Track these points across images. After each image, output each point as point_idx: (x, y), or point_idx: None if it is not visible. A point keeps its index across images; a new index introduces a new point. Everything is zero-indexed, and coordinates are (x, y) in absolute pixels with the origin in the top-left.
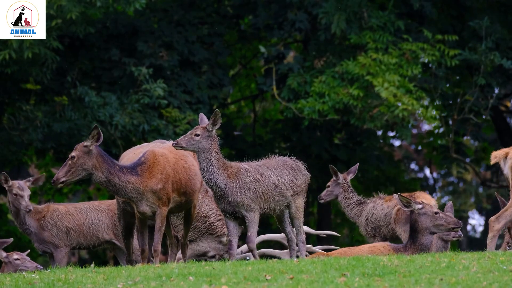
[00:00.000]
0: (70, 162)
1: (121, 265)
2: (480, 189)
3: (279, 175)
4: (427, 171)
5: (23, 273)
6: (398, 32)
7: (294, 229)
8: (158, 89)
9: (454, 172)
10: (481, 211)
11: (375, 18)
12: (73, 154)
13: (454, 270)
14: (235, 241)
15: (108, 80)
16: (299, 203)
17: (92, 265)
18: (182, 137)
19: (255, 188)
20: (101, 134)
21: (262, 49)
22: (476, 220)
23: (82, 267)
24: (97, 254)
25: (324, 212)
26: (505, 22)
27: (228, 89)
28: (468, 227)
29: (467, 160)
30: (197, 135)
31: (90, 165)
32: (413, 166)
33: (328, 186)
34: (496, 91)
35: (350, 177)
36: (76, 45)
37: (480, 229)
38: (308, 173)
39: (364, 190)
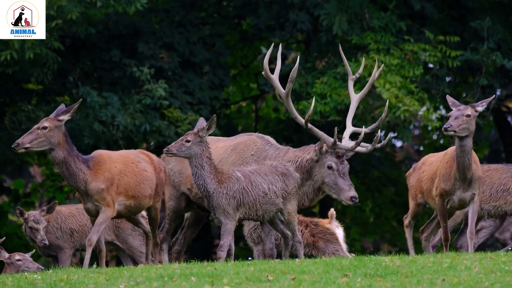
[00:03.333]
0: (39, 131)
1: (123, 266)
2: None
3: (271, 182)
4: None
5: (25, 273)
6: (399, 33)
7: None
8: (159, 90)
9: None
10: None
11: (376, 19)
12: (45, 124)
13: (456, 270)
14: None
15: (110, 81)
16: (291, 208)
17: (94, 265)
18: (173, 143)
19: (240, 198)
20: (74, 108)
21: (264, 50)
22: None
23: (82, 268)
24: (96, 255)
25: (326, 212)
26: (507, 23)
27: (229, 89)
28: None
29: None
30: (188, 141)
31: (56, 140)
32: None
33: None
34: (498, 92)
35: None
36: (78, 46)
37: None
38: (297, 174)
39: (366, 191)
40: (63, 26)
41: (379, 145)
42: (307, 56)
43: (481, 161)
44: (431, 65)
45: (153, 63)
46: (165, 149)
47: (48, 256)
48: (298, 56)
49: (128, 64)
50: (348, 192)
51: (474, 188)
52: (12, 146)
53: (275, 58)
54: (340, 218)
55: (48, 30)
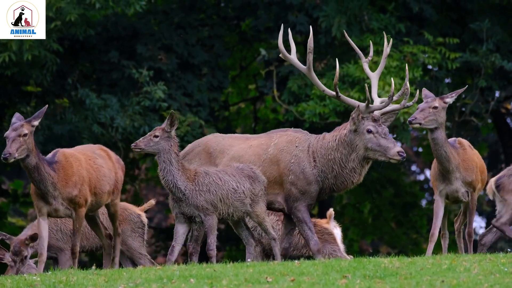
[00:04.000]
0: (22, 139)
1: (122, 267)
2: (481, 192)
3: (239, 182)
4: (427, 173)
5: (24, 275)
6: (398, 35)
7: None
8: (158, 91)
9: None
10: (481, 214)
11: (375, 21)
12: (25, 131)
13: (455, 272)
14: (178, 248)
15: (109, 83)
16: (259, 210)
17: (93, 267)
18: (141, 138)
19: (215, 191)
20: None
21: (263, 51)
22: (476, 223)
23: (82, 269)
24: (96, 256)
25: (325, 213)
26: (506, 24)
27: (228, 90)
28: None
29: None
30: (156, 136)
31: (31, 146)
32: (414, 168)
33: None
34: (497, 94)
35: None
36: (76, 48)
37: (481, 231)
38: (264, 178)
39: (365, 193)
40: (62, 27)
41: (411, 103)
42: (306, 58)
43: None
44: (430, 67)
45: (152, 64)
46: (133, 144)
47: (48, 258)
48: (311, 27)
49: (127, 65)
50: (393, 148)
51: (467, 183)
52: (4, 157)
53: (274, 60)
54: (338, 218)
55: (47, 31)
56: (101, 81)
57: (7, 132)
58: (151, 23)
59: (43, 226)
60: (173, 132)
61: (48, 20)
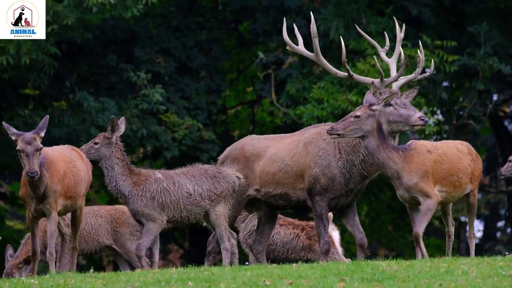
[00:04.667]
0: (38, 153)
1: (120, 270)
2: (479, 195)
3: (197, 184)
4: None
5: (22, 278)
6: (395, 37)
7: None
8: (156, 95)
9: None
10: (479, 217)
11: (373, 24)
12: (40, 144)
13: (453, 275)
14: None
15: (107, 86)
16: (220, 210)
17: (91, 270)
18: (83, 146)
19: (161, 198)
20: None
21: (261, 54)
22: (474, 226)
23: (80, 272)
24: (93, 259)
25: None
26: (504, 28)
27: (226, 93)
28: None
29: None
30: (96, 143)
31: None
32: None
33: None
34: (495, 97)
35: None
36: (74, 51)
37: (478, 234)
38: (235, 179)
39: (364, 195)
40: (60, 31)
41: (426, 74)
42: (304, 61)
43: None
44: (428, 70)
45: (149, 68)
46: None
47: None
48: (311, 14)
49: (124, 69)
50: (414, 115)
51: (411, 188)
52: (31, 176)
53: (272, 63)
54: (336, 221)
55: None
56: (99, 84)
57: (22, 145)
58: (149, 27)
59: (35, 225)
60: (114, 138)
61: (46, 23)
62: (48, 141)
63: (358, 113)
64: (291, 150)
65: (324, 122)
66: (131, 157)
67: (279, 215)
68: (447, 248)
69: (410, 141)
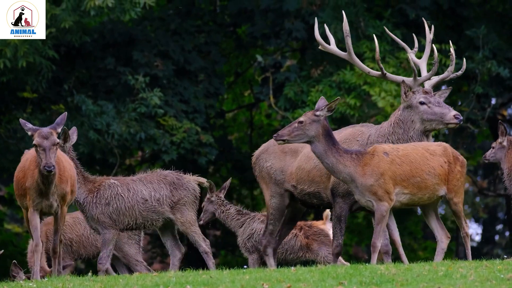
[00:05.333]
0: (55, 148)
1: (118, 274)
2: (477, 199)
3: (154, 190)
4: None
5: (21, 281)
6: (394, 41)
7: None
8: (154, 98)
9: None
10: (478, 220)
11: (372, 28)
12: (57, 139)
13: (452, 278)
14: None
15: (105, 89)
16: (182, 218)
17: (90, 274)
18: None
19: (116, 204)
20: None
21: (259, 58)
22: (473, 229)
23: (79, 276)
24: (92, 263)
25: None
26: (502, 31)
27: (224, 97)
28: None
29: None
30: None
31: None
32: None
33: (203, 207)
34: (493, 101)
35: (223, 193)
36: (73, 54)
37: (477, 238)
38: (195, 186)
39: None
40: (58, 34)
41: (458, 73)
42: (302, 65)
43: (476, 170)
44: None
45: (148, 71)
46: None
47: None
48: (343, 13)
49: (123, 72)
50: (449, 113)
51: (365, 191)
52: (48, 169)
53: (270, 66)
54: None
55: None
56: (97, 87)
57: (39, 140)
58: (147, 30)
59: (36, 218)
60: (67, 147)
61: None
62: None
63: (301, 119)
64: None
65: (362, 124)
66: (130, 161)
67: None
68: (466, 253)
69: (371, 145)
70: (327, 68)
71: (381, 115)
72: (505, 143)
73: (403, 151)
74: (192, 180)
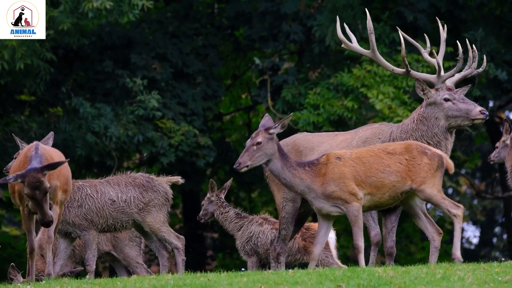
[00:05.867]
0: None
1: (116, 276)
2: (475, 201)
3: (122, 191)
4: None
5: (18, 284)
6: (392, 44)
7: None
8: (152, 101)
9: (448, 183)
10: (475, 223)
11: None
12: (48, 185)
13: (449, 281)
14: (60, 263)
15: (103, 92)
16: (152, 220)
17: (87, 276)
18: (10, 163)
19: (88, 205)
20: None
21: (257, 60)
22: (471, 232)
23: (76, 279)
24: None
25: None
26: (500, 34)
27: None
28: (463, 239)
29: (463, 171)
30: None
31: None
32: None
33: (202, 205)
34: (491, 103)
35: (223, 193)
36: (70, 57)
37: (475, 240)
38: (167, 188)
39: None
40: (56, 37)
41: (480, 70)
42: (300, 67)
43: (474, 172)
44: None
45: (146, 73)
46: (4, 169)
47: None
48: (367, 11)
49: (121, 75)
50: (474, 109)
51: (329, 199)
52: (47, 225)
53: (268, 69)
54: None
55: (40, 40)
56: (95, 90)
57: (29, 192)
58: (145, 32)
59: (29, 221)
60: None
61: None
62: None
63: (259, 140)
64: (345, 148)
65: (380, 122)
66: (128, 163)
67: (273, 219)
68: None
69: (321, 154)
70: (325, 70)
71: (378, 117)
72: (508, 142)
73: (356, 153)
74: (165, 182)
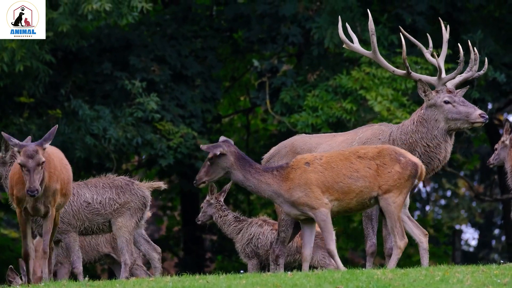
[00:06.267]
0: (40, 167)
1: (115, 279)
2: (473, 203)
3: (97, 193)
4: (420, 184)
5: (17, 286)
6: (391, 46)
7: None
8: (151, 103)
9: (446, 185)
10: (474, 225)
11: (368, 32)
12: (43, 158)
13: (448, 283)
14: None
15: (102, 94)
16: (122, 222)
17: (86, 278)
18: None
19: (64, 208)
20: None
21: (256, 62)
22: (469, 234)
23: (75, 281)
24: (87, 268)
25: None
26: (498, 36)
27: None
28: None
29: (461, 173)
30: None
31: None
32: None
33: (202, 207)
34: (490, 106)
35: (222, 196)
36: (69, 59)
37: (473, 243)
38: (145, 193)
39: None
40: (55, 39)
41: (481, 72)
42: (299, 69)
43: (472, 175)
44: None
45: (144, 76)
46: None
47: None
48: (369, 12)
49: (119, 77)
50: (474, 112)
51: (296, 204)
52: (31, 194)
53: (267, 71)
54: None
55: (39, 43)
56: (94, 92)
57: (23, 159)
58: (144, 35)
59: (25, 224)
60: (8, 157)
61: None
62: None
63: (209, 156)
64: (344, 148)
65: (380, 123)
66: (126, 165)
67: (272, 220)
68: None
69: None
70: (324, 72)
71: (377, 119)
72: (507, 142)
73: (326, 158)
74: (146, 187)
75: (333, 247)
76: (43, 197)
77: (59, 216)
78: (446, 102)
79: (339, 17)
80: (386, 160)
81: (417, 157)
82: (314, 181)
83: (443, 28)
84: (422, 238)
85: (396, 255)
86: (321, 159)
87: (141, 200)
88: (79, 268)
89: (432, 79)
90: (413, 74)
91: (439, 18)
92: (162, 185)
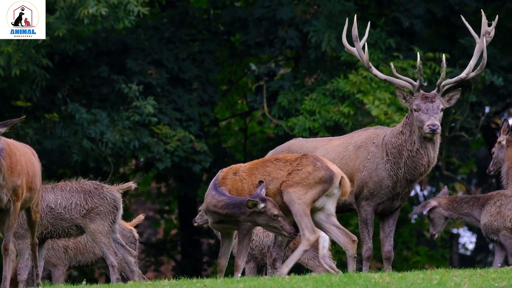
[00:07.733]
0: None
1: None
2: None
3: (63, 198)
4: (417, 188)
5: None
6: (389, 50)
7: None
8: (148, 106)
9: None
10: (471, 229)
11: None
12: None
13: (446, 287)
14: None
15: (99, 97)
16: (94, 228)
17: (84, 282)
18: None
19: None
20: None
21: (253, 66)
22: (467, 238)
23: (73, 284)
24: (85, 271)
25: None
26: (496, 40)
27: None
28: (459, 245)
29: (459, 177)
30: None
31: None
32: None
33: (199, 210)
34: (487, 109)
35: None
36: (66, 62)
37: (471, 246)
38: (116, 196)
39: None
40: (51, 43)
41: (473, 73)
42: (296, 73)
43: (469, 179)
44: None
45: (141, 79)
46: None
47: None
48: (370, 22)
49: (116, 80)
50: (426, 123)
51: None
52: None
53: (264, 75)
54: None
55: (36, 47)
56: (91, 96)
57: None
58: (141, 38)
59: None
60: None
61: None
62: (40, 153)
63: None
64: (341, 152)
65: (376, 126)
66: (124, 169)
67: None
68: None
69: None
70: (321, 76)
71: (374, 123)
72: (503, 142)
73: (249, 165)
74: (116, 190)
75: (241, 262)
76: (4, 188)
77: (36, 215)
78: (415, 110)
79: (346, 19)
80: (302, 162)
81: (404, 161)
82: (242, 189)
83: (484, 19)
84: (348, 245)
85: (303, 246)
86: (245, 167)
87: (111, 203)
88: (24, 276)
89: (413, 83)
90: (388, 80)
91: (481, 10)
92: (132, 184)
